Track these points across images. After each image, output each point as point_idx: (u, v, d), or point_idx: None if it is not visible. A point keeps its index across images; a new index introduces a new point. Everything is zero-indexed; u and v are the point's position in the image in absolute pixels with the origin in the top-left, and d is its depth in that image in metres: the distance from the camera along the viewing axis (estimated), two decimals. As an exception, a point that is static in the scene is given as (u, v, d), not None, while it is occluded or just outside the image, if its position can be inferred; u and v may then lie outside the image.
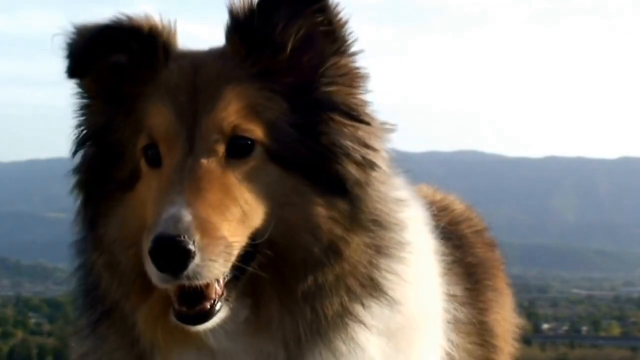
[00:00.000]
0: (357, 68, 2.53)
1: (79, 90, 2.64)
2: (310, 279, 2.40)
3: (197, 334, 2.42)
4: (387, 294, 2.49)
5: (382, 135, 2.55)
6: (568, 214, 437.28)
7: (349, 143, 2.45)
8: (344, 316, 2.45)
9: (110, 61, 2.57)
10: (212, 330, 2.40)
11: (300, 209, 2.39)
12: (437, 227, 3.09)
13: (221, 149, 2.40)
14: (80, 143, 2.61)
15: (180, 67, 2.51)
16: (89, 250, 2.63)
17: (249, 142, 2.41)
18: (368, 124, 2.50)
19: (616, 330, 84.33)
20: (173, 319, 2.35)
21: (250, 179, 2.39)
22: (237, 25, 2.51)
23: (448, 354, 2.77)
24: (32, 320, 75.91)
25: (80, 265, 2.68)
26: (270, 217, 2.39)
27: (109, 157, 2.55)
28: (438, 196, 3.50)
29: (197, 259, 2.22)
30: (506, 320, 3.41)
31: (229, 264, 2.31)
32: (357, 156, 2.45)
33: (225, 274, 2.32)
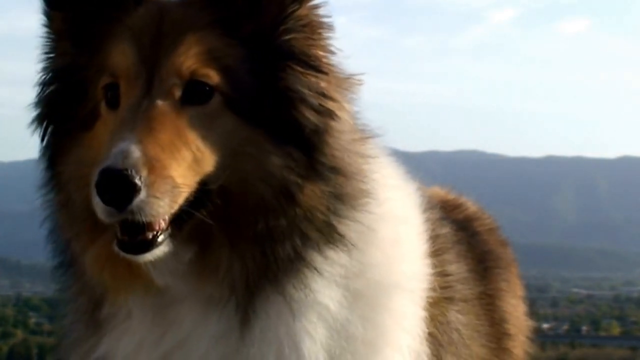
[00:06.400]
0: (318, 18, 2.52)
1: (47, 32, 2.64)
2: (261, 224, 2.39)
3: (144, 276, 2.43)
4: (345, 240, 2.47)
5: (345, 87, 2.55)
6: (568, 214, 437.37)
7: (306, 90, 2.44)
8: (297, 262, 2.43)
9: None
10: (156, 268, 2.40)
11: (255, 158, 2.39)
12: (452, 220, 3.11)
13: (178, 92, 2.41)
14: (45, 84, 2.61)
15: (148, 12, 2.52)
16: (49, 188, 2.63)
17: (207, 88, 2.41)
18: (325, 73, 2.48)
19: (616, 329, 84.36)
20: (115, 248, 2.34)
21: (206, 125, 2.39)
22: None
23: (432, 333, 2.70)
24: (32, 320, 75.99)
25: (45, 204, 2.67)
26: (223, 166, 2.38)
27: (71, 95, 2.55)
28: (451, 196, 3.53)
29: (142, 195, 2.22)
30: (518, 311, 3.39)
31: (176, 206, 2.30)
32: (314, 103, 2.44)
33: (171, 215, 2.32)
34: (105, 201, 2.24)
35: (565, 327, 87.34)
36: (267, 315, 2.42)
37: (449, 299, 2.81)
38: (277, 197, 2.39)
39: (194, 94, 2.41)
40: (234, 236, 2.40)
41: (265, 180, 2.39)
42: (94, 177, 2.25)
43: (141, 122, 2.32)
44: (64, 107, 2.56)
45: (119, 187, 2.21)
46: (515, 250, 3.66)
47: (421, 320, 2.65)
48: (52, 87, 2.60)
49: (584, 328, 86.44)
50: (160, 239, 2.32)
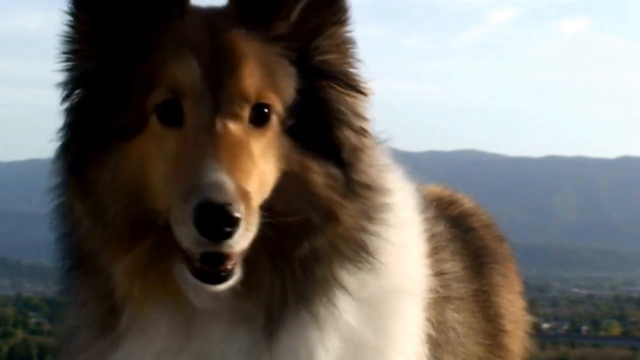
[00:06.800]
0: (350, 37, 2.55)
1: (70, 33, 2.52)
2: (305, 245, 2.40)
3: (174, 292, 2.40)
4: (374, 258, 2.49)
5: (368, 102, 2.56)
6: (568, 214, 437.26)
7: (346, 110, 2.47)
8: (329, 281, 2.45)
9: (117, 2, 2.47)
10: (199, 293, 2.38)
11: (301, 179, 2.40)
12: (447, 217, 3.11)
13: (246, 114, 2.38)
14: (71, 89, 2.51)
15: (197, 24, 2.45)
16: (68, 194, 2.54)
17: (266, 110, 2.41)
18: (365, 94, 2.52)
19: (616, 329, 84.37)
20: (189, 276, 2.32)
21: (268, 149, 2.39)
22: None
23: (431, 334, 2.70)
24: (33, 320, 76.00)
25: (59, 208, 2.60)
26: (276, 189, 2.39)
27: (105, 103, 2.44)
28: (446, 193, 3.53)
29: (240, 228, 2.23)
30: (515, 306, 3.39)
31: (255, 234, 2.31)
32: (354, 123, 2.48)
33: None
34: (204, 234, 2.21)
35: (566, 327, 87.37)
36: (292, 331, 2.43)
37: (445, 298, 2.81)
38: (322, 217, 2.40)
39: (257, 116, 2.39)
40: (278, 257, 2.41)
41: (311, 202, 2.40)
42: (187, 208, 2.21)
43: (222, 148, 2.29)
44: (96, 114, 2.45)
45: (222, 221, 2.19)
46: (515, 251, 3.66)
47: (422, 322, 2.66)
48: (77, 92, 2.50)
49: (584, 328, 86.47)
50: (236, 269, 2.33)
